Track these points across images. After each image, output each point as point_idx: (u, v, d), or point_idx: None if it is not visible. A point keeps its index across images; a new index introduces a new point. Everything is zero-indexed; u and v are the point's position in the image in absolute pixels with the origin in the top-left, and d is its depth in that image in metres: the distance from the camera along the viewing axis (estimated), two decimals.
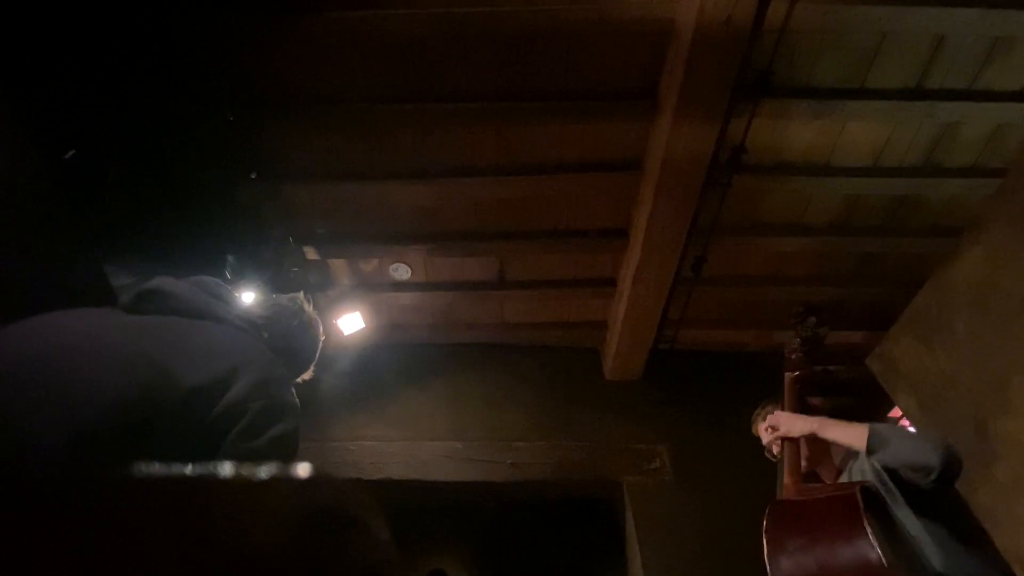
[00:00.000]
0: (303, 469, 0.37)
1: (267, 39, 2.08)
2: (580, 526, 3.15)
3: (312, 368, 1.43)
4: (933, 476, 1.39)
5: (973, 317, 2.54)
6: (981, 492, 2.34)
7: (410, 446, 3.00)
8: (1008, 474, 2.29)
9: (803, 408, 1.77)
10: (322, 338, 1.46)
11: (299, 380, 1.39)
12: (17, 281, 1.67)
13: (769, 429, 1.81)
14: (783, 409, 1.79)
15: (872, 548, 1.23)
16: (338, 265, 3.02)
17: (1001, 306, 2.41)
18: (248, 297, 1.39)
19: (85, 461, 0.84)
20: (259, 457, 0.99)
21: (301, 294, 1.46)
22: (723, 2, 1.83)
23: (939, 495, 1.48)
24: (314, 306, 1.49)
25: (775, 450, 1.80)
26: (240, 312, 1.23)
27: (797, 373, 1.85)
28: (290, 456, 1.08)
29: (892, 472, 1.51)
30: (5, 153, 1.70)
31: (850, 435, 1.58)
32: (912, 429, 2.18)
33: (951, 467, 1.40)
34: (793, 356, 1.90)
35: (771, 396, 1.92)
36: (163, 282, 1.16)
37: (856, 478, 1.60)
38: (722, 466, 2.77)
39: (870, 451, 1.51)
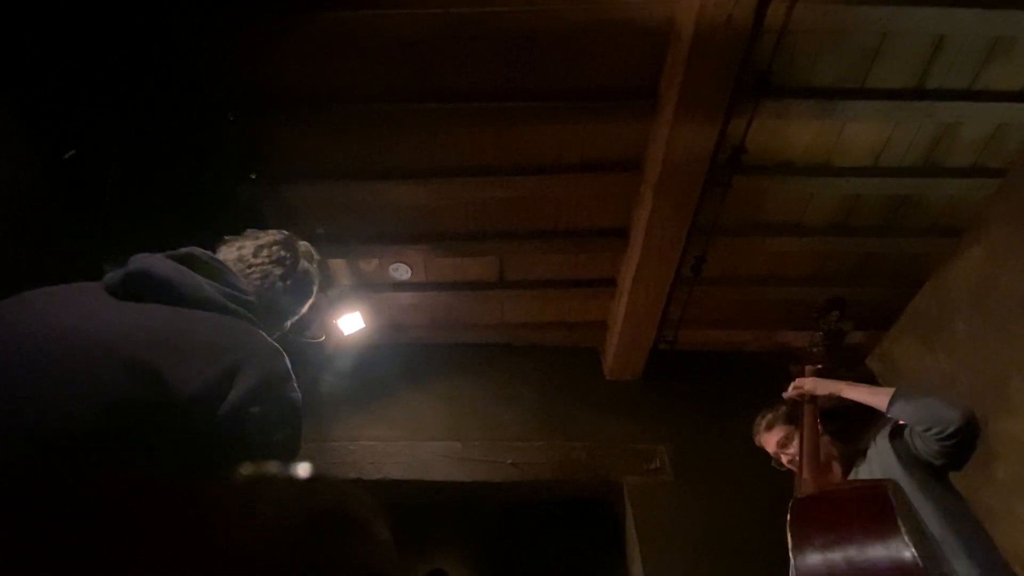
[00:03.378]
0: (303, 469, 0.37)
1: (267, 39, 2.08)
2: (580, 526, 3.14)
3: (288, 324, 1.31)
4: (950, 430, 1.39)
5: (973, 317, 2.55)
6: (981, 492, 2.34)
7: (410, 446, 3.00)
8: (1008, 474, 2.30)
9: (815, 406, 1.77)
10: (311, 295, 1.33)
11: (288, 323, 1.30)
12: (17, 281, 1.67)
13: (780, 441, 1.81)
14: (797, 409, 1.79)
15: (907, 547, 1.23)
16: (338, 265, 3.02)
17: (1001, 306, 2.41)
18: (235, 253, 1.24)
19: (74, 462, 0.81)
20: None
21: (303, 245, 1.32)
22: (723, 2, 1.83)
23: (951, 492, 1.48)
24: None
25: (784, 460, 1.80)
26: (232, 292, 1.11)
27: (820, 366, 1.85)
28: (293, 454, 1.03)
29: (903, 447, 1.51)
30: (5, 153, 1.70)
31: (872, 392, 1.60)
32: None
33: (970, 424, 1.40)
34: (815, 350, 1.90)
35: (768, 405, 1.91)
36: (152, 265, 1.04)
37: (864, 477, 1.60)
38: (722, 466, 2.77)
39: (891, 403, 1.51)
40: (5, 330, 0.90)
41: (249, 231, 1.29)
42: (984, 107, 2.31)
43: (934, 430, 1.42)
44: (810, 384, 1.73)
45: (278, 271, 1.23)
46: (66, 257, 1.88)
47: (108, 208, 1.91)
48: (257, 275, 1.21)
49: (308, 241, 1.32)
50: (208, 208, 2.23)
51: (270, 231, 1.28)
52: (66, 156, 1.79)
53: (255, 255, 1.23)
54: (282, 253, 1.25)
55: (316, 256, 1.33)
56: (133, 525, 0.28)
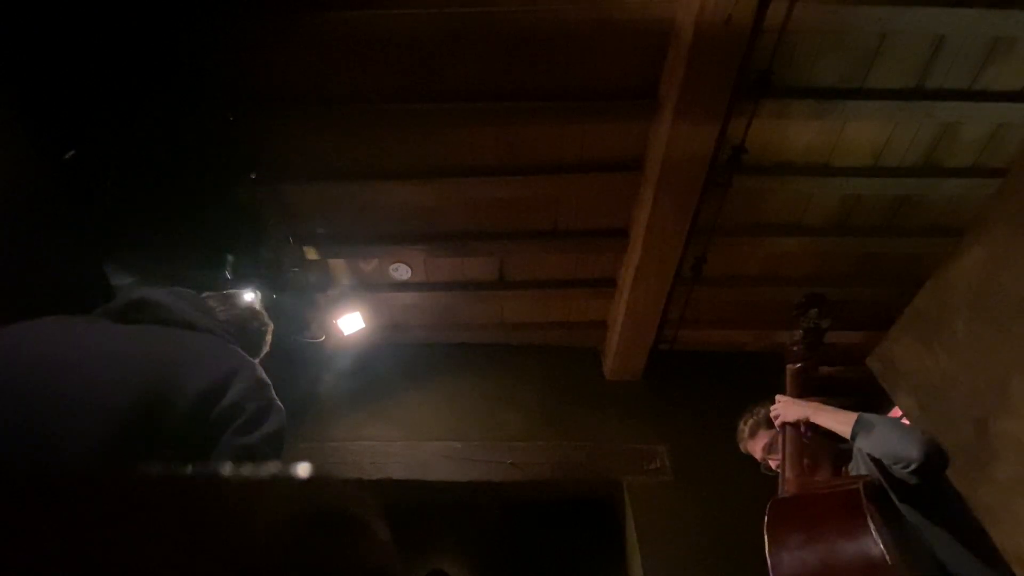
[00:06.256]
0: (303, 469, 0.37)
1: (267, 39, 2.08)
2: (580, 526, 3.14)
3: (265, 348, 1.56)
4: (912, 467, 1.39)
5: (973, 317, 2.54)
6: (981, 492, 2.34)
7: (410, 446, 3.00)
8: (1008, 474, 2.29)
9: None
10: (268, 324, 1.57)
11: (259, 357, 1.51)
12: (17, 281, 1.67)
13: (765, 447, 1.81)
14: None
15: (875, 544, 1.23)
16: (338, 265, 3.02)
17: (1001, 306, 2.41)
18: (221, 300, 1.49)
19: (102, 462, 0.88)
20: (253, 451, 1.08)
21: (252, 293, 1.59)
22: (723, 2, 1.83)
23: (944, 491, 1.48)
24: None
25: (773, 465, 1.79)
26: (218, 322, 1.33)
27: (799, 365, 1.85)
28: (278, 452, 1.17)
29: (880, 464, 1.51)
30: (5, 153, 1.70)
31: (839, 420, 1.58)
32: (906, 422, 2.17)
33: (932, 459, 1.40)
34: (795, 348, 1.90)
35: (751, 411, 1.91)
36: (150, 293, 1.24)
37: (853, 475, 1.59)
38: (722, 466, 2.76)
39: (853, 436, 1.51)
40: (47, 349, 1.04)
41: (217, 295, 1.51)
42: (984, 107, 2.31)
43: (899, 465, 1.42)
44: (781, 411, 1.72)
45: (254, 323, 1.49)
46: (67, 257, 1.88)
47: (108, 208, 1.91)
48: (233, 320, 1.42)
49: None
50: (208, 208, 2.23)
51: (240, 297, 1.55)
52: (66, 156, 1.79)
53: (231, 308, 1.46)
54: (254, 310, 1.52)
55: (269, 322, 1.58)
56: (137, 523, 0.28)
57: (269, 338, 1.58)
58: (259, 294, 1.62)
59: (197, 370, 1.09)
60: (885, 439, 1.46)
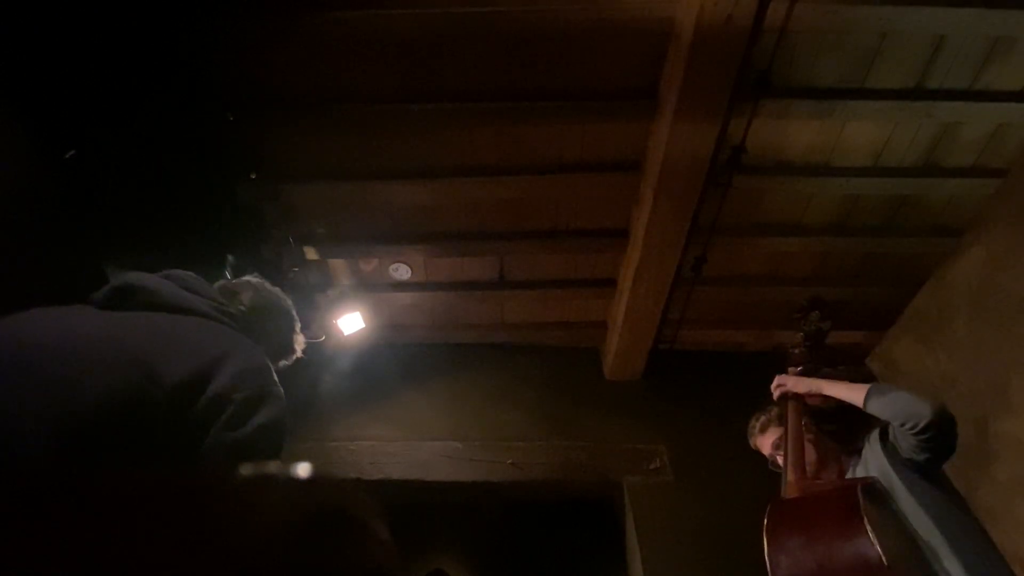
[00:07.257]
0: (303, 469, 0.37)
1: (267, 39, 2.08)
2: (580, 526, 3.14)
3: (293, 355, 1.45)
4: (923, 424, 1.39)
5: (973, 317, 2.54)
6: (981, 492, 2.34)
7: (410, 446, 3.00)
8: (1008, 474, 2.29)
9: (803, 407, 1.77)
10: (297, 322, 1.47)
11: (281, 364, 1.42)
12: (17, 281, 1.67)
13: (775, 443, 1.81)
14: (784, 409, 1.79)
15: (872, 546, 1.23)
16: (338, 265, 3.02)
17: (1001, 306, 2.41)
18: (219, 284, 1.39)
19: (72, 459, 0.83)
20: (245, 447, 0.98)
21: (264, 281, 1.48)
22: (723, 2, 1.83)
23: (943, 491, 1.48)
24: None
25: (780, 461, 1.79)
26: (215, 303, 1.21)
27: (800, 368, 1.85)
28: (277, 444, 1.07)
29: (887, 446, 1.51)
30: (5, 153, 1.70)
31: (850, 388, 1.59)
32: None
33: (943, 419, 1.40)
34: (796, 351, 1.90)
35: (761, 407, 1.91)
36: (136, 278, 1.15)
37: (859, 476, 1.59)
38: (722, 466, 2.77)
39: (866, 399, 1.51)
40: (19, 338, 0.96)
41: (242, 280, 1.44)
42: (984, 107, 2.31)
43: (908, 425, 1.42)
44: (791, 382, 1.74)
45: (275, 311, 1.39)
46: (67, 256, 1.88)
47: (108, 208, 1.91)
48: (254, 307, 1.34)
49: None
50: (208, 208, 2.23)
51: (269, 287, 1.46)
52: (66, 156, 1.79)
53: (255, 295, 1.37)
54: (281, 303, 1.42)
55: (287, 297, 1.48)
56: (138, 524, 0.28)
57: (298, 336, 1.44)
58: (289, 294, 1.50)
59: (177, 359, 1.00)
60: (897, 400, 1.47)
